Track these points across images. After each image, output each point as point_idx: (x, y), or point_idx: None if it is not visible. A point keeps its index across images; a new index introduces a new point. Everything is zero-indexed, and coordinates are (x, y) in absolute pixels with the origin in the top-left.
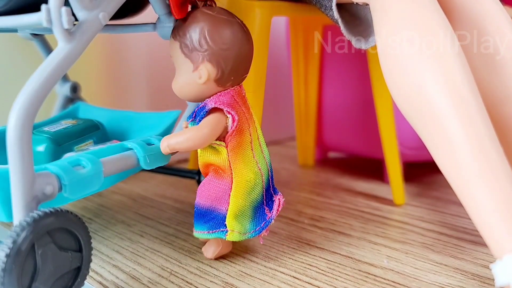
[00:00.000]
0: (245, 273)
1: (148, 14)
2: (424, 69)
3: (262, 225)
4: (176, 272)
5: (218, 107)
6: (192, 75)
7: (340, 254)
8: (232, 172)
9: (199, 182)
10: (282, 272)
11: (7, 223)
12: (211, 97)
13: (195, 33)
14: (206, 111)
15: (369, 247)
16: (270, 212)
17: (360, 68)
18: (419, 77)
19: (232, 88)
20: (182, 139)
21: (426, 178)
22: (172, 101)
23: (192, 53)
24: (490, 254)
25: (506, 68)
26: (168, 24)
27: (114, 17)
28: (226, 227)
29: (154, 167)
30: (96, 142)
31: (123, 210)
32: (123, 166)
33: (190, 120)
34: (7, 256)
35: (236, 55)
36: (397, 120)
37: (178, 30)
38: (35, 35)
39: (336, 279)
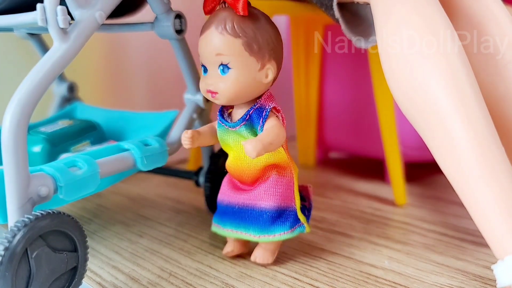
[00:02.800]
0: (245, 274)
1: (147, 14)
2: (425, 68)
3: (307, 213)
4: (175, 273)
5: (276, 107)
6: (257, 74)
7: (341, 255)
8: (291, 167)
9: (197, 183)
10: (282, 273)
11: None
12: (264, 97)
13: (262, 30)
14: (269, 111)
15: (370, 248)
16: (302, 201)
17: (361, 68)
18: (420, 76)
19: None
20: (269, 141)
21: (428, 178)
22: (169, 101)
23: (259, 51)
24: (491, 255)
25: (507, 68)
26: (166, 23)
27: (111, 16)
28: (300, 221)
29: (151, 168)
30: (93, 143)
31: (122, 211)
32: (119, 167)
33: (242, 123)
34: (0, 263)
35: (282, 51)
36: (398, 120)
37: (241, 27)
38: (31, 34)
39: (337, 280)
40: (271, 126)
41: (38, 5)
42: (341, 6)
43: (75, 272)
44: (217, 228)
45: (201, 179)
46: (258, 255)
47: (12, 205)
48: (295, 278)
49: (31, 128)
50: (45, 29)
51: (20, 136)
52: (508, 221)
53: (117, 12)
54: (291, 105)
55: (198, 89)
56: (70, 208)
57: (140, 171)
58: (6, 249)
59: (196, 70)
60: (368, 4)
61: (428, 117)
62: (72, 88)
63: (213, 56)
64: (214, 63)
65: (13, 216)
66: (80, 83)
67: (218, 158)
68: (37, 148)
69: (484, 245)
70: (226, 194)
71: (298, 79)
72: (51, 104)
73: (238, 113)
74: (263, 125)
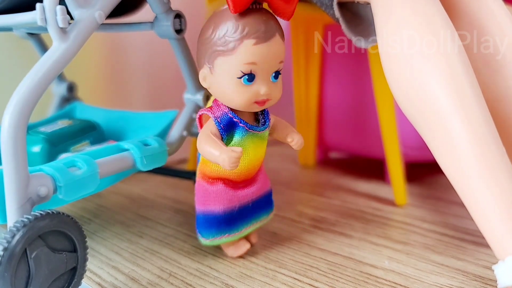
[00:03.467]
0: (245, 274)
1: (146, 13)
2: (425, 68)
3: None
4: (175, 273)
5: None
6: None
7: (341, 255)
8: None
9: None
10: (282, 273)
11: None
12: None
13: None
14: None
15: (370, 248)
16: None
17: (361, 68)
18: (420, 76)
19: None
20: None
21: (428, 178)
22: (169, 101)
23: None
24: (492, 255)
25: (507, 68)
26: (166, 23)
27: (110, 16)
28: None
29: (151, 168)
30: (93, 143)
31: (122, 211)
32: (119, 167)
33: (268, 126)
34: (5, 249)
35: None
36: (399, 120)
37: (282, 31)
38: (31, 34)
39: (337, 280)
40: (280, 120)
41: (38, 5)
42: (341, 5)
43: (75, 272)
44: (226, 238)
45: None
46: (253, 236)
47: (11, 205)
48: (295, 279)
49: (31, 128)
50: (45, 29)
51: (19, 136)
52: (509, 221)
53: (116, 12)
54: (291, 105)
55: (197, 89)
56: (69, 208)
57: (140, 171)
58: (5, 249)
59: (195, 70)
60: (368, 3)
61: (428, 117)
62: (71, 88)
63: (277, 64)
64: (272, 71)
65: (12, 216)
66: (80, 83)
67: None
68: (36, 148)
69: (485, 245)
70: (229, 200)
71: (298, 79)
72: (51, 104)
73: (249, 116)
74: (269, 121)
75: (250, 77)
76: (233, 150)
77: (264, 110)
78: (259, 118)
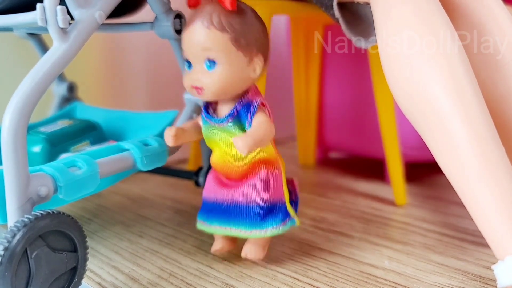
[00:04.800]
0: (245, 274)
1: (147, 14)
2: (425, 68)
3: (294, 206)
4: (175, 273)
5: (263, 102)
6: (245, 69)
7: (341, 255)
8: (279, 161)
9: (197, 183)
10: (282, 273)
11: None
12: (251, 92)
13: (249, 24)
14: (257, 107)
15: (370, 248)
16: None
17: (361, 68)
18: (420, 76)
19: None
20: (260, 136)
21: (428, 178)
22: (169, 100)
23: (247, 46)
24: (492, 255)
25: (507, 68)
26: (166, 23)
27: (110, 16)
28: (290, 215)
29: (151, 168)
30: (93, 143)
31: (122, 211)
32: (119, 167)
33: (230, 118)
34: (5, 249)
35: (269, 45)
36: (399, 120)
37: (228, 21)
38: (31, 34)
39: (337, 280)
40: (261, 122)
41: (38, 5)
42: (341, 5)
43: (75, 272)
44: (203, 225)
45: (201, 179)
46: (248, 250)
47: (11, 205)
48: (295, 278)
49: (31, 128)
50: (45, 29)
51: (19, 136)
52: (508, 221)
53: (116, 12)
54: (291, 105)
55: None
56: (70, 208)
57: (140, 171)
58: (5, 249)
59: None
60: (368, 4)
61: (428, 117)
62: (71, 88)
63: (200, 51)
64: (200, 58)
65: (13, 216)
66: (80, 83)
67: None
68: (36, 148)
69: (484, 245)
70: (212, 191)
71: (298, 79)
72: (51, 104)
73: (225, 109)
74: (251, 120)
75: (188, 63)
76: (169, 128)
77: (244, 102)
78: (230, 111)
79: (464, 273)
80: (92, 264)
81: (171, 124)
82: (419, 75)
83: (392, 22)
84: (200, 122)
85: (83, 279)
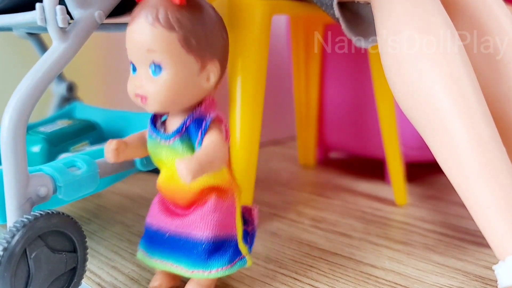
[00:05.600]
0: (245, 274)
1: None
2: (425, 68)
3: (249, 240)
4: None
5: (219, 116)
6: (196, 77)
7: (341, 255)
8: (235, 188)
9: None
10: (282, 274)
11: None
12: (204, 104)
13: (204, 23)
14: (210, 122)
15: (371, 248)
16: (245, 226)
17: (361, 68)
18: (421, 76)
19: None
20: (210, 160)
21: (428, 178)
22: None
23: (199, 48)
24: (492, 255)
25: (507, 68)
26: None
27: (110, 15)
28: (241, 253)
29: (151, 168)
30: (92, 143)
31: (122, 211)
32: (119, 167)
33: (177, 135)
34: (5, 249)
35: (228, 50)
36: (399, 120)
37: (177, 18)
38: (30, 34)
39: (337, 280)
40: (212, 142)
41: (37, 5)
42: (341, 5)
43: (74, 272)
44: (143, 256)
45: None
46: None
47: (11, 205)
48: (295, 279)
49: (30, 128)
50: (44, 29)
51: (19, 136)
52: (509, 221)
53: (116, 12)
54: (291, 105)
55: None
56: (69, 208)
57: (140, 171)
58: (4, 249)
59: None
60: (369, 3)
61: (429, 117)
62: (71, 88)
63: (143, 53)
64: (144, 61)
65: (12, 216)
66: (80, 83)
67: None
68: (36, 148)
69: (485, 245)
70: (156, 217)
71: (298, 79)
72: (50, 104)
73: (173, 123)
74: (202, 139)
75: (133, 66)
76: (110, 141)
77: (195, 117)
78: (179, 126)
79: (465, 273)
80: (91, 264)
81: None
82: (420, 75)
83: (392, 21)
84: (147, 135)
85: (83, 280)
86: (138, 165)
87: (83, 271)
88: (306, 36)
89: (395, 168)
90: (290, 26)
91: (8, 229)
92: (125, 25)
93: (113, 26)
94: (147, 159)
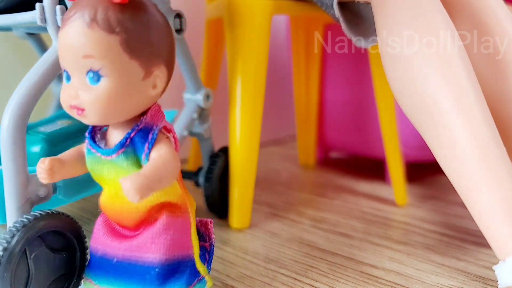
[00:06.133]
0: (245, 274)
1: None
2: (425, 68)
3: (207, 257)
4: None
5: (167, 127)
6: (141, 84)
7: (341, 255)
8: (188, 204)
9: (196, 183)
10: (283, 274)
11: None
12: (150, 114)
13: (148, 25)
14: (157, 133)
15: (371, 248)
16: (202, 242)
17: (361, 68)
18: (420, 77)
19: None
20: (159, 176)
21: (429, 178)
22: (169, 100)
23: (143, 53)
24: (493, 255)
25: (507, 68)
26: None
27: None
28: (200, 274)
29: None
30: None
31: None
32: None
33: (120, 149)
34: (5, 249)
35: (175, 54)
36: (399, 120)
37: (118, 19)
38: (30, 34)
39: (337, 280)
40: (161, 155)
41: (37, 5)
42: (341, 5)
43: (74, 272)
44: (91, 286)
45: (201, 179)
46: None
47: (11, 205)
48: (295, 279)
49: (30, 128)
50: (44, 29)
51: (19, 136)
52: (509, 222)
53: None
54: (292, 105)
55: (197, 89)
56: (69, 208)
57: None
58: (4, 249)
59: (195, 70)
60: (369, 3)
61: (429, 117)
62: None
63: (79, 59)
64: (80, 68)
65: (12, 217)
66: None
67: (218, 158)
68: (36, 148)
69: (485, 245)
70: (100, 241)
71: (298, 79)
72: (50, 104)
73: (116, 136)
74: (150, 152)
75: (67, 73)
76: (42, 160)
77: (140, 128)
78: (122, 139)
79: (465, 273)
80: None
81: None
82: (419, 75)
83: (392, 22)
84: (85, 150)
85: (83, 280)
86: None
87: (83, 271)
88: (306, 36)
89: (395, 168)
90: (290, 26)
91: (8, 229)
92: None
93: None
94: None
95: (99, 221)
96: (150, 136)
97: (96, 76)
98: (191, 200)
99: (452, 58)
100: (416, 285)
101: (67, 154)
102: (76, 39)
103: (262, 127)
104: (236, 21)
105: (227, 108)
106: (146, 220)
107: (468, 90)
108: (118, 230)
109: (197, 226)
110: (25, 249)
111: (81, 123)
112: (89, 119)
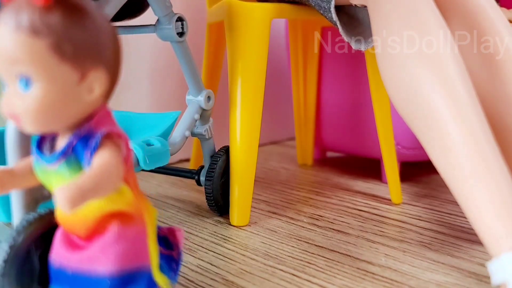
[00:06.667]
0: (245, 270)
1: (149, 16)
2: (418, 70)
3: (175, 266)
4: None
5: (113, 132)
6: (75, 89)
7: (338, 252)
8: (143, 212)
9: (198, 182)
10: (281, 270)
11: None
12: (96, 119)
13: (80, 24)
14: (100, 140)
15: (367, 245)
16: (168, 250)
17: (358, 69)
18: (414, 78)
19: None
20: (94, 184)
21: (424, 177)
22: (172, 101)
23: (75, 55)
24: (486, 252)
25: (507, 68)
26: (168, 26)
27: (114, 20)
28: (157, 285)
29: (153, 168)
30: None
31: None
32: None
33: (62, 157)
34: (5, 261)
35: (120, 53)
36: (394, 120)
37: (46, 22)
38: None
39: (334, 276)
40: (99, 163)
41: None
42: (338, 9)
43: None
44: None
45: (202, 178)
46: None
47: (17, 204)
48: (293, 275)
49: None
50: None
51: (24, 136)
52: (502, 219)
53: (120, 16)
54: (290, 106)
55: (199, 90)
56: None
57: (143, 170)
58: (11, 247)
59: (197, 72)
60: (365, 6)
61: (422, 118)
62: None
63: (7, 65)
64: (11, 75)
65: (18, 215)
66: None
67: (219, 157)
68: None
69: (479, 242)
70: (57, 253)
71: (296, 81)
72: None
73: (61, 144)
74: (91, 159)
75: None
76: None
77: (82, 135)
78: (64, 147)
79: (459, 270)
80: None
81: (173, 125)
82: (413, 77)
83: (387, 24)
84: None
85: None
86: (141, 164)
87: None
88: (305, 38)
89: (391, 167)
90: (288, 28)
91: (14, 228)
92: (127, 27)
93: (119, 28)
94: (150, 158)
95: (58, 232)
96: (92, 143)
97: (26, 83)
98: (150, 208)
99: (444, 58)
100: (411, 281)
101: (20, 164)
102: (3, 45)
103: (261, 129)
104: (236, 25)
105: (228, 110)
106: (97, 231)
107: (460, 91)
108: (75, 241)
109: (164, 234)
110: (30, 247)
111: None
112: (26, 127)
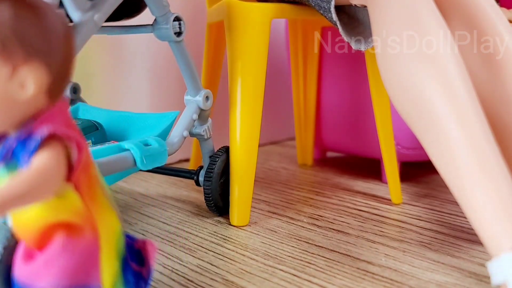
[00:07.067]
0: (245, 270)
1: (146, 16)
2: (417, 70)
3: (143, 285)
4: (177, 270)
5: (57, 133)
6: (6, 85)
7: (338, 252)
8: (96, 223)
9: (197, 182)
10: (281, 270)
11: None
12: (40, 120)
13: (14, 17)
14: (40, 141)
15: (367, 245)
16: (140, 266)
17: (358, 69)
18: (413, 78)
19: (60, 103)
20: (22, 189)
21: (424, 177)
22: (171, 102)
23: (6, 48)
24: (486, 252)
25: (506, 68)
26: (165, 26)
27: (111, 20)
28: None
29: (151, 168)
30: (95, 143)
31: (124, 209)
32: (119, 166)
33: (0, 161)
34: (5, 248)
35: (70, 50)
36: (394, 120)
37: None
38: None
39: (334, 276)
40: (32, 167)
41: None
42: (338, 9)
43: None
44: None
45: (201, 178)
46: None
47: None
48: (293, 275)
49: None
50: None
51: None
52: (502, 219)
53: (117, 16)
54: (290, 106)
55: (197, 91)
56: None
57: (141, 170)
58: (5, 248)
59: (195, 72)
60: (365, 6)
61: (422, 119)
62: (75, 90)
63: None
64: None
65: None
66: (83, 84)
67: (218, 157)
68: None
69: (479, 243)
70: (16, 264)
71: (296, 81)
72: None
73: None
74: (29, 161)
75: None
76: None
77: (22, 137)
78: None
79: (459, 270)
80: None
81: (171, 125)
82: (412, 77)
83: (386, 24)
84: None
85: None
86: (139, 165)
87: None
88: (305, 37)
89: (391, 167)
90: (288, 27)
91: (9, 227)
92: (125, 27)
93: (114, 29)
94: (147, 158)
95: (21, 242)
96: (31, 145)
97: None
98: (110, 219)
99: (444, 58)
100: (411, 281)
101: None
102: None
103: (262, 129)
104: (236, 25)
105: (228, 109)
106: (44, 242)
107: (460, 90)
108: (31, 252)
109: (139, 247)
110: None
111: (83, 123)
112: None
